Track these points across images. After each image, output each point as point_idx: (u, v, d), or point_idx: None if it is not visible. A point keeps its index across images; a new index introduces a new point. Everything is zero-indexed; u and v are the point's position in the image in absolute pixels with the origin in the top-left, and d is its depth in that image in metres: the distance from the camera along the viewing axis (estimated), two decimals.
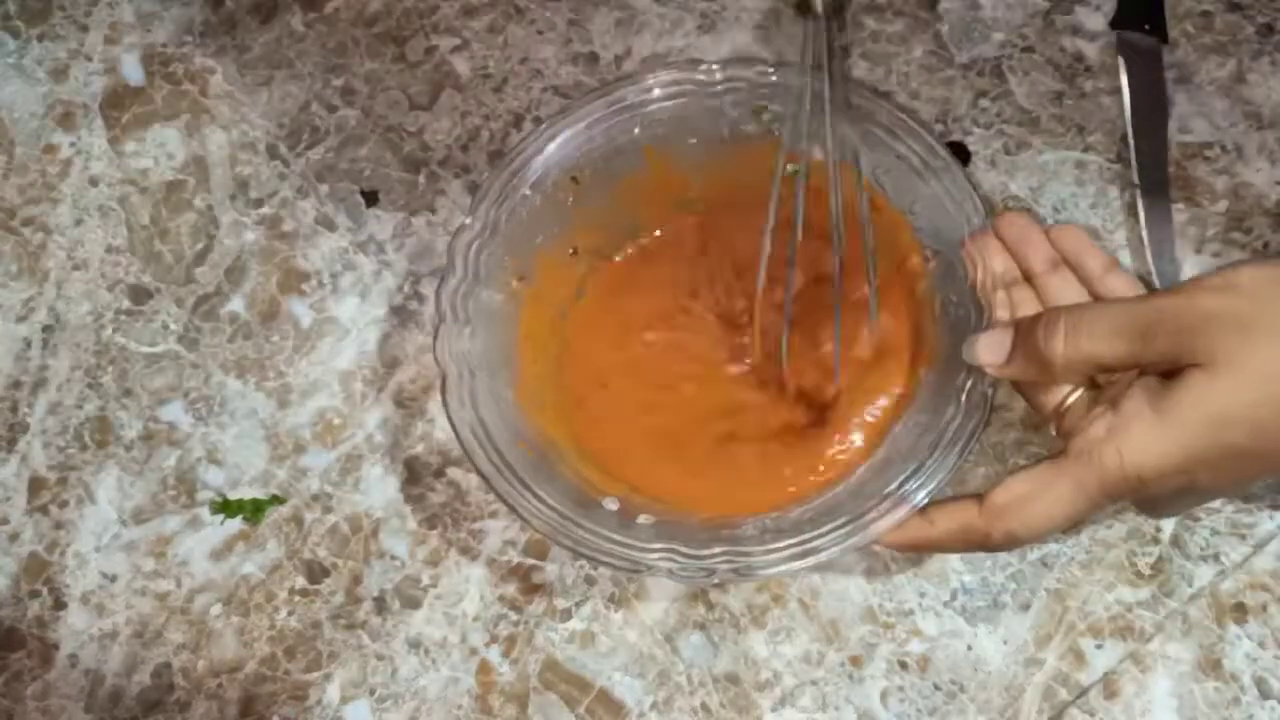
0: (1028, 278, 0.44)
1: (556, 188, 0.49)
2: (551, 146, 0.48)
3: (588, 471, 0.46)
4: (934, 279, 0.47)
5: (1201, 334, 0.36)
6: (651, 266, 0.52)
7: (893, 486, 0.42)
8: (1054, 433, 0.41)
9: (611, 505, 0.45)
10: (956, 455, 0.42)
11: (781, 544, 0.41)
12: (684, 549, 0.42)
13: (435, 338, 0.45)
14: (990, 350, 0.41)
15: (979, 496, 0.40)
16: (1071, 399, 0.41)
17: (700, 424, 0.49)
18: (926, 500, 0.41)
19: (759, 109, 0.48)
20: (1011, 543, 0.40)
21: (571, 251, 0.51)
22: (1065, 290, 0.43)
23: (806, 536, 0.41)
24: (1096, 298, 0.43)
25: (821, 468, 0.47)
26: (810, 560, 0.41)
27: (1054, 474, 0.39)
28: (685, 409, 0.49)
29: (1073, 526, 0.41)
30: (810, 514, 0.44)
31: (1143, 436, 0.37)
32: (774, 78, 0.48)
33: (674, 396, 0.50)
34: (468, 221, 0.47)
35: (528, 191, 0.48)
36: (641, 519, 0.44)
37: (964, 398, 0.43)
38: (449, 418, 0.44)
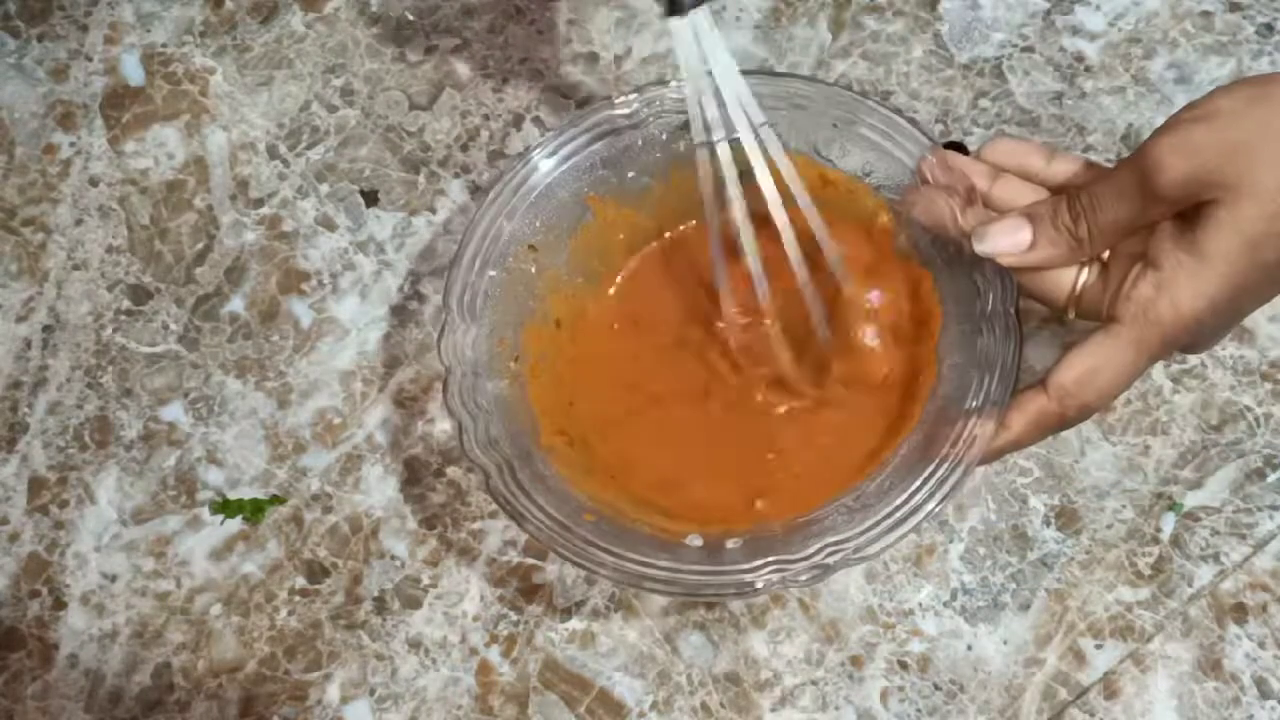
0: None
1: (518, 260, 0.49)
2: (501, 221, 0.48)
3: (653, 519, 0.46)
4: (910, 228, 0.47)
5: (1206, 169, 0.37)
6: (631, 307, 0.52)
7: (956, 432, 0.42)
8: (1072, 316, 0.42)
9: (695, 541, 0.44)
10: (1001, 383, 0.42)
11: (875, 519, 0.41)
12: (785, 557, 0.41)
13: (460, 440, 0.44)
14: (1008, 239, 0.41)
15: (1038, 384, 0.41)
16: (1082, 280, 0.41)
17: (740, 442, 0.49)
18: (987, 441, 0.41)
19: (684, 125, 0.48)
20: (1086, 414, 0.41)
21: (555, 324, 0.50)
22: (1016, 193, 0.44)
23: (897, 504, 0.41)
24: (1051, 188, 0.44)
25: (875, 440, 0.46)
26: (910, 524, 0.41)
27: (1113, 341, 0.40)
28: (718, 433, 0.49)
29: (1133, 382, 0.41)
30: (888, 482, 0.43)
31: (1190, 282, 0.38)
32: (689, 90, 0.48)
33: (703, 423, 0.49)
34: (446, 319, 0.47)
35: (492, 273, 0.48)
36: (729, 544, 0.44)
37: (991, 324, 0.43)
38: (507, 514, 0.43)
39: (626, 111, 0.49)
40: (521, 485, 0.44)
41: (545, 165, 0.49)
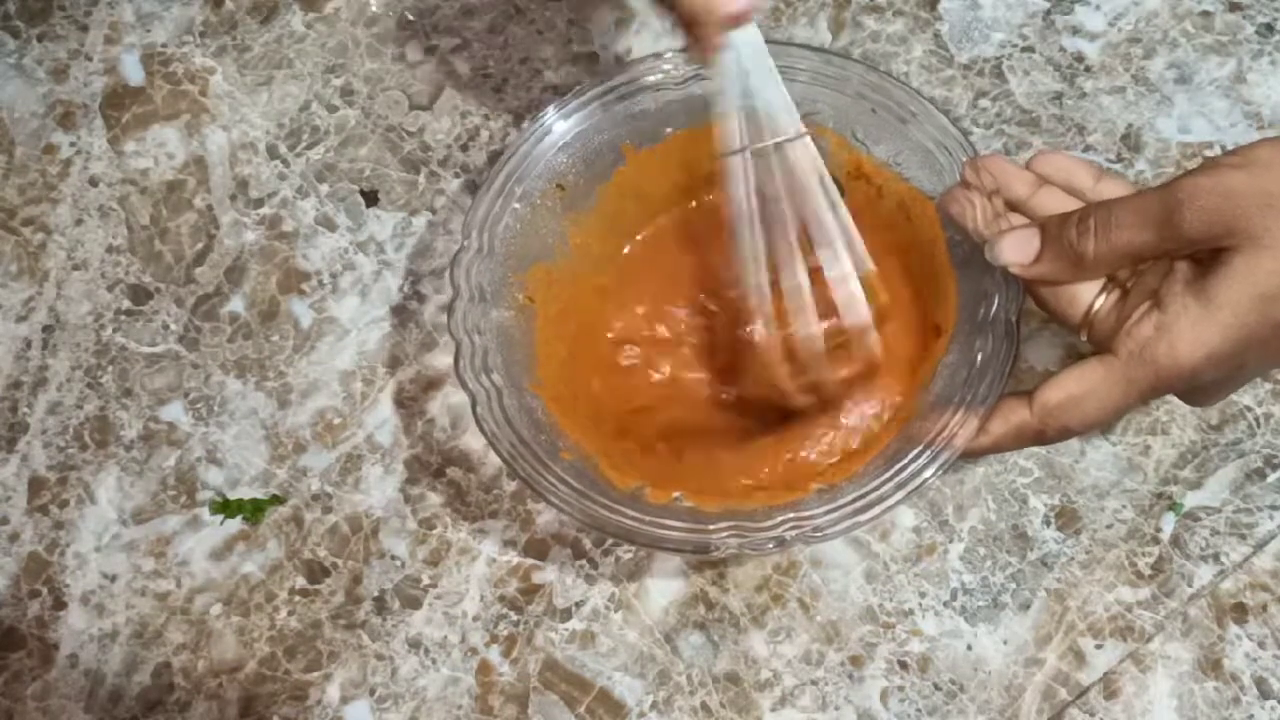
0: (1015, 207, 0.44)
1: (544, 197, 0.49)
2: (531, 158, 0.48)
3: (631, 468, 0.46)
4: (939, 225, 0.47)
5: (1233, 215, 0.36)
6: (649, 263, 0.52)
7: (936, 429, 0.42)
8: (1083, 339, 0.41)
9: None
10: (989, 388, 0.42)
11: (841, 502, 0.41)
12: (749, 523, 0.42)
13: (455, 362, 0.45)
14: (1016, 249, 0.41)
15: (1025, 395, 0.40)
16: (1098, 304, 0.40)
17: (735, 415, 0.49)
18: (966, 442, 0.41)
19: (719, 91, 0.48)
20: (1066, 436, 0.41)
21: (569, 267, 0.50)
22: (1056, 205, 0.43)
23: (863, 491, 0.41)
24: None
25: (866, 427, 0.47)
26: (874, 512, 0.41)
27: (1106, 372, 0.39)
28: (712, 405, 0.49)
29: (1121, 417, 0.41)
30: (864, 469, 0.44)
31: (1193, 329, 0.37)
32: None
33: (700, 395, 0.50)
34: (464, 243, 0.47)
35: (516, 205, 0.48)
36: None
37: (989, 329, 0.43)
38: (487, 439, 0.44)
39: (671, 69, 0.49)
40: (507, 414, 0.44)
41: (584, 110, 0.49)
